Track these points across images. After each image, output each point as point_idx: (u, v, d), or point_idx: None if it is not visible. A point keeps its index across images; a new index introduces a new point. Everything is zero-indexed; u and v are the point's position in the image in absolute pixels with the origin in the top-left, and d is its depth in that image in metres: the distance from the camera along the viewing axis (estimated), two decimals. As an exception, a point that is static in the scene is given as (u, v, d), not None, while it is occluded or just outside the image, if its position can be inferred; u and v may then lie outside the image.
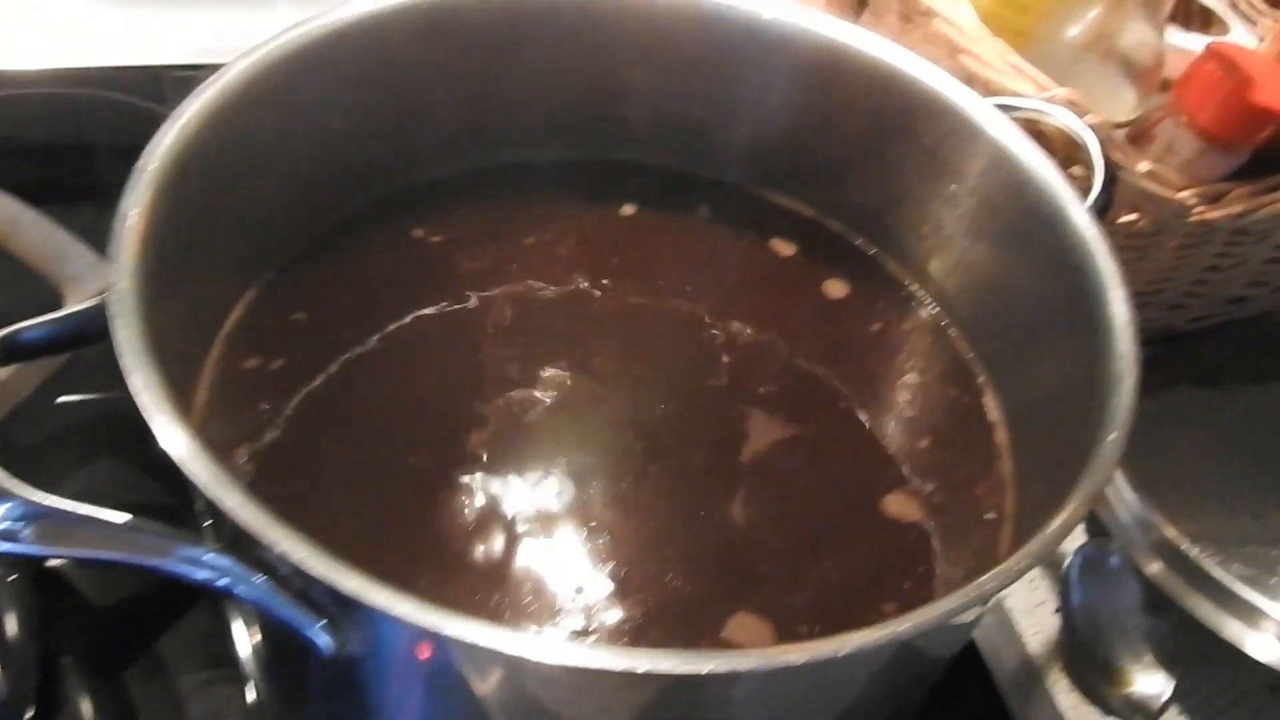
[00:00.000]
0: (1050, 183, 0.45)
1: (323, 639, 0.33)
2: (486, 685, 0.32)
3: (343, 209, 0.52)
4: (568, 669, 0.29)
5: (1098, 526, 0.57)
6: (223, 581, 0.33)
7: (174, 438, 0.32)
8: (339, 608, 0.32)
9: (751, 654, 0.29)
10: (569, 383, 0.48)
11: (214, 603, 0.50)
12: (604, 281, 0.53)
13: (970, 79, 0.58)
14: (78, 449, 0.56)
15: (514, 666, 0.31)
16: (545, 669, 0.30)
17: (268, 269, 0.49)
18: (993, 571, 0.32)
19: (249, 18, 0.77)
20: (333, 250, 0.51)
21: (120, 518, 0.32)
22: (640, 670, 0.28)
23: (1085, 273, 0.42)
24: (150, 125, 0.43)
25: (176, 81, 0.73)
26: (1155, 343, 0.66)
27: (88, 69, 0.72)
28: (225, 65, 0.44)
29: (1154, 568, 0.53)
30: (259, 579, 0.33)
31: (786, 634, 0.40)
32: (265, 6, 0.79)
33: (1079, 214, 0.44)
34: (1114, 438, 0.35)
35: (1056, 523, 0.34)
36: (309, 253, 0.50)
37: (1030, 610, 0.56)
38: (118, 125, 0.70)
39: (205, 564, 0.33)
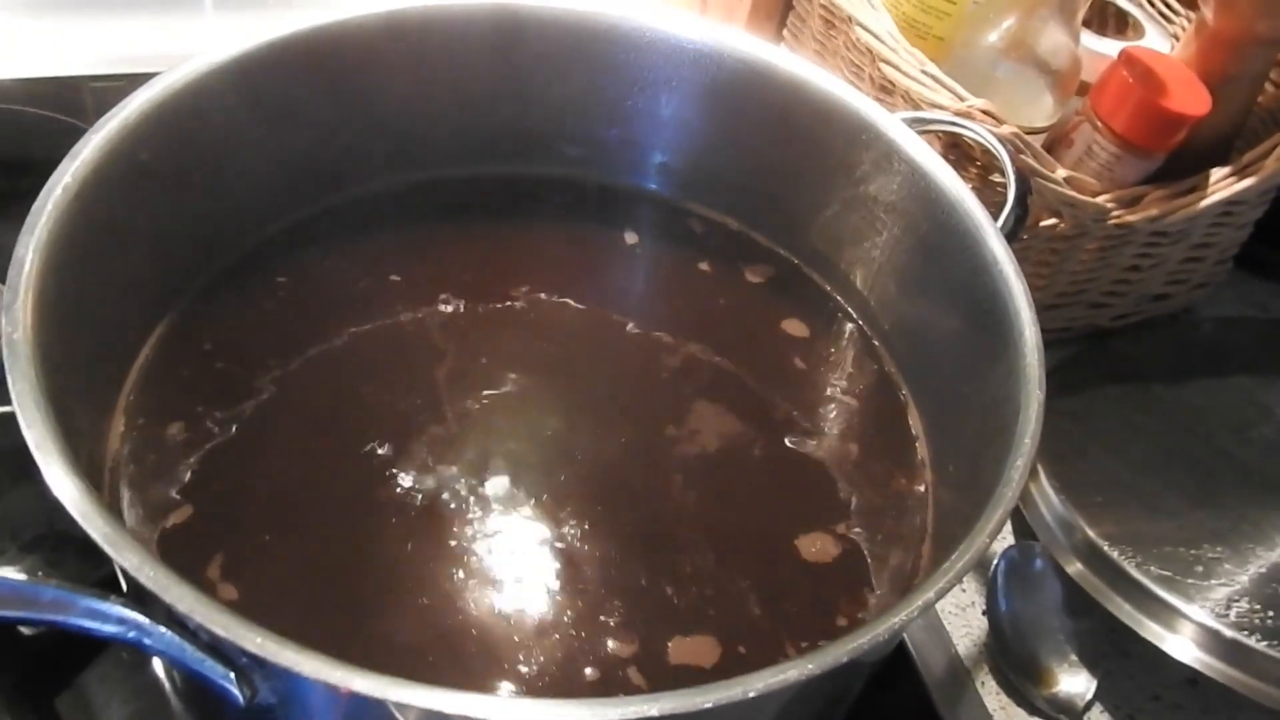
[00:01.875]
0: (963, 202, 0.45)
1: (234, 689, 0.33)
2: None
3: (250, 238, 0.51)
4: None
5: (1023, 528, 0.58)
6: (131, 635, 0.33)
7: (71, 496, 0.32)
8: (248, 660, 0.32)
9: (660, 698, 0.29)
10: (501, 404, 0.48)
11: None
12: (539, 296, 0.52)
13: (892, 87, 0.58)
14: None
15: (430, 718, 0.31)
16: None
17: (182, 300, 0.48)
18: (874, 621, 0.33)
19: (167, 25, 0.75)
20: (245, 279, 0.50)
21: (20, 577, 0.32)
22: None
23: (996, 293, 0.43)
24: (72, 139, 0.42)
25: (96, 93, 0.71)
26: (1080, 340, 0.67)
27: (2, 81, 0.70)
28: (126, 98, 0.43)
29: (1076, 569, 0.54)
30: (166, 632, 0.32)
31: (732, 653, 0.41)
32: (185, 14, 0.77)
33: (991, 235, 0.44)
34: (1020, 464, 0.36)
35: (950, 572, 0.34)
36: (222, 282, 0.49)
37: (960, 612, 0.57)
38: (37, 139, 0.68)
39: (112, 618, 0.33)
